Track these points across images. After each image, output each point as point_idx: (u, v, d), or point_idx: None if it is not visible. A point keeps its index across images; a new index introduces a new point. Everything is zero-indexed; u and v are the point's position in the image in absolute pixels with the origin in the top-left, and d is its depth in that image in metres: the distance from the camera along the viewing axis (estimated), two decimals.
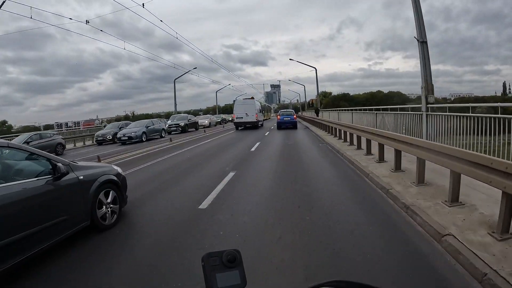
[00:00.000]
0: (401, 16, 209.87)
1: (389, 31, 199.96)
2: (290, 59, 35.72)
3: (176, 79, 38.26)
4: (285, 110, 28.46)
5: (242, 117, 23.70)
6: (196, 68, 36.28)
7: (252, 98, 29.93)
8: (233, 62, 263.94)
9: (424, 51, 9.94)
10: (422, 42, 10.10)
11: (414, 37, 10.25)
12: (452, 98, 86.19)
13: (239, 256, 0.74)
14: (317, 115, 25.74)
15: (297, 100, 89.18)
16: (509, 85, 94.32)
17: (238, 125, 24.30)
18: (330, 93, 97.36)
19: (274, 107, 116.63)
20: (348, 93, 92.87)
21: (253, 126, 23.98)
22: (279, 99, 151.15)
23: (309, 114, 35.45)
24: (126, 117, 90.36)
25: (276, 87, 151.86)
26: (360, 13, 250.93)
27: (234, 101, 28.40)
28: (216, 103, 59.52)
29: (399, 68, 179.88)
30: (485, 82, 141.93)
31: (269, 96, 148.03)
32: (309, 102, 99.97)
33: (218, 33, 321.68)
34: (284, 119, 22.76)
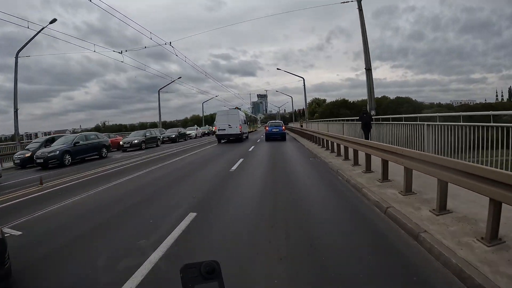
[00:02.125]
0: (390, 25, 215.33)
1: (377, 41, 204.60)
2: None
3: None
4: (274, 121, 27.90)
5: (224, 129, 21.89)
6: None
7: (237, 108, 28.03)
8: (221, 72, 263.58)
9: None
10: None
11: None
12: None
13: (218, 267, 0.74)
14: (301, 126, 24.54)
15: (284, 110, 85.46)
16: (497, 92, 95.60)
17: (220, 138, 22.55)
18: (324, 100, 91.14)
19: (260, 117, 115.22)
20: (347, 100, 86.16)
21: (237, 139, 22.01)
22: (266, 109, 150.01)
23: (297, 125, 33.93)
24: (97, 128, 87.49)
25: (263, 97, 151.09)
26: (350, 23, 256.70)
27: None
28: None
29: (387, 77, 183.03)
30: (471, 91, 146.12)
31: (255, 106, 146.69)
32: (298, 111, 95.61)
33: (207, 42, 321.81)
34: (272, 130, 22.35)
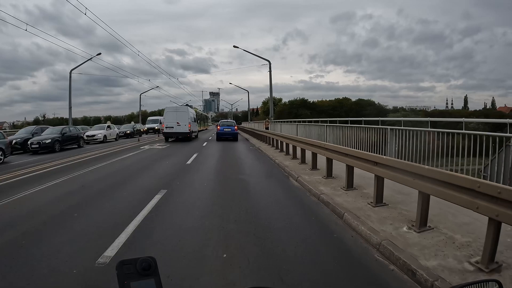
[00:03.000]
0: (346, 31, 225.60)
1: (333, 45, 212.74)
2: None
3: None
4: (226, 120, 27.34)
5: (172, 127, 20.50)
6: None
7: (187, 105, 26.68)
8: (175, 68, 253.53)
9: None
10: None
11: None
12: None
13: (154, 263, 0.71)
14: (267, 128, 22.59)
15: (236, 109, 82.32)
16: (447, 99, 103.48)
17: (167, 136, 21.15)
18: (280, 100, 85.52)
19: (211, 116, 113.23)
20: (307, 99, 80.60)
21: (185, 137, 20.71)
22: (217, 108, 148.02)
23: (255, 126, 30.81)
24: (36, 121, 78.57)
25: (215, 94, 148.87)
26: (307, 26, 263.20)
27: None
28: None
29: (339, 82, 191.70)
30: (420, 98, 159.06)
31: (207, 104, 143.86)
32: (253, 110, 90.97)
33: (162, 37, 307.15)
34: (224, 129, 21.69)
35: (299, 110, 70.43)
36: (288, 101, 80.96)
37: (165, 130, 20.76)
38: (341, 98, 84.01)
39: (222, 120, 28.15)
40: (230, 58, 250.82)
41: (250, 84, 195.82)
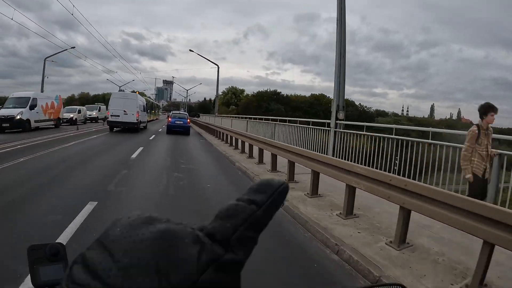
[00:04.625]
0: (308, 32, 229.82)
1: (292, 44, 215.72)
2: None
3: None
4: (178, 112, 26.14)
5: (118, 115, 18.74)
6: (74, 47, 28.75)
7: (137, 92, 25.04)
8: (131, 53, 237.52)
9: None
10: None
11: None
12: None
13: (63, 249, 0.73)
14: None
15: (189, 99, 75.43)
16: (403, 106, 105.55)
17: (112, 126, 19.34)
18: (243, 91, 76.86)
19: (163, 104, 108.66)
20: (279, 92, 70.57)
21: (132, 128, 19.19)
22: (170, 97, 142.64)
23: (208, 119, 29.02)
24: None
25: (169, 83, 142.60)
26: (269, 22, 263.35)
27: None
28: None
29: (295, 80, 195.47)
30: (371, 103, 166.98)
31: (159, 92, 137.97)
32: (210, 100, 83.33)
33: (119, 19, 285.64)
34: (176, 122, 20.39)
35: (271, 103, 62.68)
36: (257, 92, 70.18)
37: (110, 119, 19.02)
38: (318, 94, 74.18)
39: (173, 112, 26.82)
40: (189, 47, 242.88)
41: (206, 76, 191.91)
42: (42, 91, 27.07)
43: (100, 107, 34.65)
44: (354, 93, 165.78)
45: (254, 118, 16.22)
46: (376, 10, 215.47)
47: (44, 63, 30.39)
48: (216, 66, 29.17)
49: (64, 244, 0.75)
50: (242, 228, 0.28)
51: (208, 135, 20.19)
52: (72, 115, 25.99)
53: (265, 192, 0.29)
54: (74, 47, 30.04)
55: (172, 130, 20.02)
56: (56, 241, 0.74)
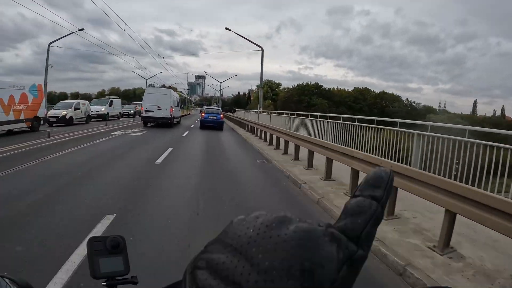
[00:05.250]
0: (341, 25, 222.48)
1: (326, 38, 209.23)
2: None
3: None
4: (211, 107, 25.73)
5: (152, 111, 18.96)
6: (83, 29, 25.66)
7: (170, 87, 25.04)
8: (163, 49, 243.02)
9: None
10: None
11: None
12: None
13: (123, 242, 0.75)
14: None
15: (221, 94, 72.86)
16: (440, 102, 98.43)
17: (146, 121, 19.54)
18: (279, 84, 70.84)
19: (195, 99, 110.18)
20: (321, 85, 63.83)
21: (166, 123, 19.14)
22: (202, 92, 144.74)
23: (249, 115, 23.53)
24: None
25: (201, 78, 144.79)
26: (302, 16, 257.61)
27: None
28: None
29: (328, 75, 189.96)
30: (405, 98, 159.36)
31: (192, 87, 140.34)
32: (244, 94, 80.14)
33: (151, 15, 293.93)
34: (209, 117, 20.18)
35: (312, 98, 58.09)
36: (297, 85, 64.36)
37: (144, 114, 19.33)
38: (361, 88, 67.99)
39: (207, 107, 26.64)
40: (220, 42, 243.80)
41: (238, 71, 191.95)
42: (45, 81, 24.06)
43: (112, 100, 26.96)
44: (388, 87, 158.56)
45: (306, 115, 13.08)
46: (411, 2, 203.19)
47: (48, 49, 26.01)
48: (260, 49, 23.69)
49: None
50: (370, 224, 0.27)
51: (243, 132, 19.62)
52: (64, 112, 19.06)
53: (380, 187, 0.29)
54: (83, 29, 26.13)
55: (206, 125, 19.91)
56: (117, 235, 0.76)
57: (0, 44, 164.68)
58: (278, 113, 16.90)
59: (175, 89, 29.02)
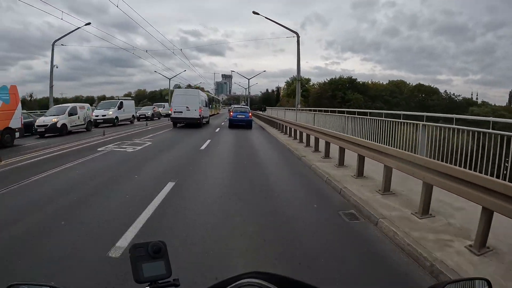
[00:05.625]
0: (367, 18, 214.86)
1: (352, 32, 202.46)
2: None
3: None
4: (239, 106, 26.33)
5: (181, 111, 19.26)
6: (90, 23, 23.84)
7: (198, 87, 25.17)
8: (189, 50, 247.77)
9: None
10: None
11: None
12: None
13: (164, 247, 0.79)
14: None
15: (249, 92, 70.89)
16: (472, 93, 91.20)
17: (176, 121, 19.93)
18: (309, 80, 67.22)
19: (223, 98, 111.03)
20: (355, 79, 59.79)
21: (195, 124, 19.24)
22: (230, 91, 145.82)
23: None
24: (22, 101, 73.71)
25: (227, 77, 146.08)
26: (327, 10, 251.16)
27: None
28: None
29: (355, 69, 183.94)
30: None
31: (219, 87, 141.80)
32: (273, 91, 77.37)
33: (176, 17, 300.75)
34: (237, 116, 20.28)
35: (347, 93, 54.73)
36: (330, 80, 60.17)
37: (173, 115, 19.73)
38: (396, 80, 64.37)
39: (235, 106, 26.71)
40: (246, 41, 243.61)
41: (263, 69, 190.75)
42: (51, 84, 23.34)
43: (122, 102, 23.23)
44: (417, 80, 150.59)
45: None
46: None
47: (53, 49, 24.55)
48: (295, 35, 21.21)
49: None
50: None
51: (275, 131, 19.15)
52: (55, 120, 15.48)
53: None
54: (90, 23, 24.15)
55: (234, 124, 19.97)
56: (158, 240, 0.80)
57: (29, 53, 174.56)
58: (324, 111, 14.01)
59: (202, 89, 29.10)
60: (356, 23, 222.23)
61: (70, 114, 16.33)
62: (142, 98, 52.17)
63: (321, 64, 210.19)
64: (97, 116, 20.63)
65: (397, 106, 46.54)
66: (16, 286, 0.74)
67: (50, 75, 23.88)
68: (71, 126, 16.31)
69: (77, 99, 63.10)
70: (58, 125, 15.32)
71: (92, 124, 19.00)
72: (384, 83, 66.39)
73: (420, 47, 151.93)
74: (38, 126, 15.00)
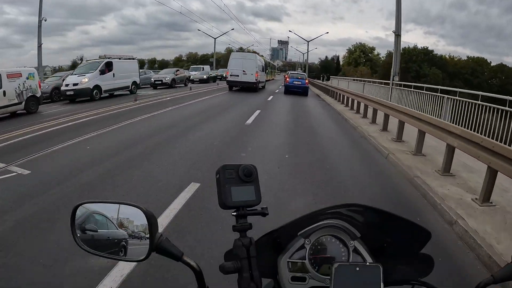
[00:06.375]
0: None
1: (416, 3, 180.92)
2: None
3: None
4: (296, 72, 24.61)
5: (238, 75, 19.21)
6: None
7: (255, 52, 24.89)
8: (245, 14, 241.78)
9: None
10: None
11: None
12: None
13: (255, 171, 0.73)
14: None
15: (307, 56, 64.79)
16: None
17: (232, 85, 19.99)
18: (373, 48, 61.01)
19: (278, 64, 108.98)
20: (432, 50, 51.49)
21: (251, 88, 19.23)
22: (285, 57, 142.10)
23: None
24: (74, 64, 62.40)
25: (284, 43, 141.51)
26: None
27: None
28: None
29: (418, 43, 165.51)
30: None
31: (275, 53, 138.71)
32: (333, 60, 68.90)
33: None
34: (294, 82, 19.71)
35: (422, 66, 47.50)
36: (403, 50, 50.59)
37: (229, 78, 19.77)
38: (475, 57, 53.25)
39: (291, 72, 25.99)
40: (304, 7, 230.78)
41: (320, 37, 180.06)
42: (40, 44, 19.11)
43: (108, 62, 15.37)
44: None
45: None
46: None
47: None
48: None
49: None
50: None
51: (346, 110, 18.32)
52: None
53: None
54: None
55: (290, 90, 19.46)
56: (249, 163, 0.73)
57: (87, 19, 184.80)
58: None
59: (258, 54, 28.57)
60: None
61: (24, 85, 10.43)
62: (194, 61, 51.83)
63: (381, 34, 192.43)
64: (67, 85, 13.76)
65: (478, 88, 40.66)
66: (85, 203, 0.73)
67: (38, 31, 19.29)
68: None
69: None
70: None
71: (39, 101, 11.29)
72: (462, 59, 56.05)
73: (488, 25, 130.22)
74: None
